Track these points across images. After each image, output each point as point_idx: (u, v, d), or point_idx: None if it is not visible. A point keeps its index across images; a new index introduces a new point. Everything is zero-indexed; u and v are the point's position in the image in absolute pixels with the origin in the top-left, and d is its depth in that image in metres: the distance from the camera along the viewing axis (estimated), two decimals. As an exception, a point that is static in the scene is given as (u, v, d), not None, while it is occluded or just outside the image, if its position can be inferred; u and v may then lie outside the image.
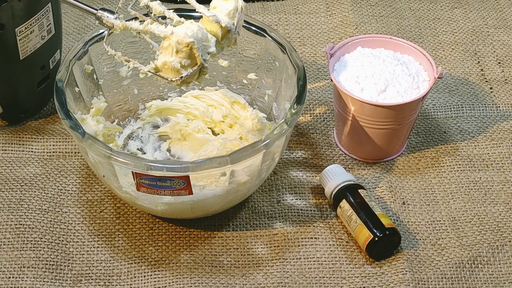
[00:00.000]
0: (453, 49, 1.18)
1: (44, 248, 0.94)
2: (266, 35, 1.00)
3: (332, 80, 1.00)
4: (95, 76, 1.00)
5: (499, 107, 1.10)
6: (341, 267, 0.93)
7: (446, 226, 0.97)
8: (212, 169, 0.87)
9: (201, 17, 0.89)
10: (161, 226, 0.97)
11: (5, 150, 1.04)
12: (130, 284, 0.92)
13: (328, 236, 0.96)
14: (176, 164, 0.90)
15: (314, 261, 0.94)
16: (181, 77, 0.86)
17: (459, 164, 1.03)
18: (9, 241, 0.94)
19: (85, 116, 0.98)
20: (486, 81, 1.14)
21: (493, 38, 1.20)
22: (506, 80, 1.14)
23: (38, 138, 1.05)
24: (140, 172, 0.87)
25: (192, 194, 0.89)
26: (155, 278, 0.92)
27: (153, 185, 0.88)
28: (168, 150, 1.04)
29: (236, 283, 0.92)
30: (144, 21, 0.89)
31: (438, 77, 0.99)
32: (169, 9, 0.90)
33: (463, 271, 0.93)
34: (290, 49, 0.98)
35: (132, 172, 0.87)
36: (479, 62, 1.17)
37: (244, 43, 1.02)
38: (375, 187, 1.00)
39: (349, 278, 0.92)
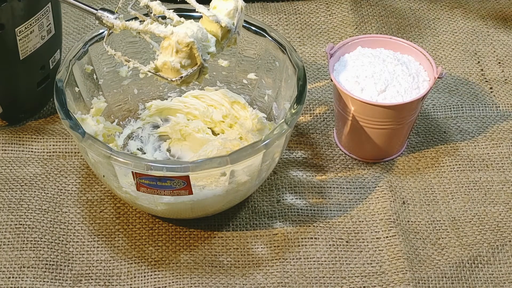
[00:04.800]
0: (453, 49, 1.18)
1: (44, 248, 0.94)
2: (266, 35, 1.00)
3: (332, 80, 1.00)
4: (95, 76, 1.00)
5: (499, 107, 1.10)
6: (341, 267, 0.93)
7: (446, 226, 0.97)
8: (212, 169, 0.87)
9: (201, 17, 0.89)
10: (161, 226, 0.97)
11: (5, 150, 1.04)
12: (130, 284, 0.92)
13: (328, 236, 0.96)
14: (176, 164, 0.90)
15: (314, 261, 0.94)
16: (181, 77, 0.86)
17: (459, 164, 1.03)
18: (9, 241, 0.94)
19: (85, 116, 0.98)
20: (486, 81, 1.14)
21: (493, 38, 1.20)
22: (506, 80, 1.14)
23: (38, 138, 1.05)
24: (140, 172, 0.87)
25: (192, 194, 0.90)
26: (155, 278, 0.92)
27: (153, 185, 0.88)
28: (168, 150, 1.04)
29: (236, 283, 0.92)
30: (144, 21, 0.89)
31: (438, 77, 0.99)
32: (169, 9, 0.90)
33: (463, 270, 0.93)
34: (290, 49, 0.98)
35: (132, 172, 0.87)
36: (479, 62, 1.16)
37: (244, 43, 1.02)
38: (375, 187, 1.00)
39: (349, 278, 0.92)
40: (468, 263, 0.94)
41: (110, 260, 0.94)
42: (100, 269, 0.93)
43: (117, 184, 0.92)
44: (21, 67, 1.02)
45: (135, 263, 0.93)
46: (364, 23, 1.21)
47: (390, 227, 0.96)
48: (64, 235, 0.96)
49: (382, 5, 1.25)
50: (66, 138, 1.05)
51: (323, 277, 0.92)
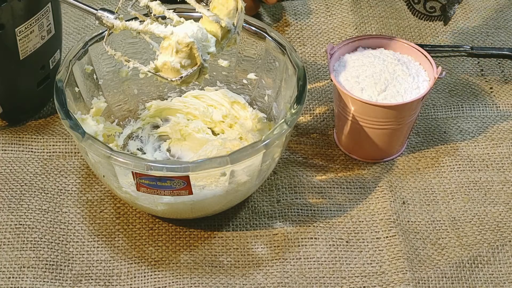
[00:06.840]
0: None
1: (44, 248, 0.94)
2: (266, 35, 1.00)
3: (332, 80, 1.00)
4: (95, 76, 1.00)
5: (499, 107, 1.10)
6: (341, 267, 0.93)
7: (446, 226, 0.97)
8: (212, 169, 0.87)
9: (201, 17, 0.89)
10: (161, 226, 0.97)
11: (5, 150, 1.04)
12: (130, 284, 0.92)
13: (328, 236, 0.96)
14: (176, 164, 0.90)
15: (314, 261, 0.94)
16: (181, 77, 0.86)
17: (459, 164, 1.03)
18: (9, 241, 0.94)
19: (85, 116, 0.98)
20: (486, 81, 1.14)
21: (493, 38, 1.20)
22: (506, 80, 1.14)
23: (38, 138, 1.05)
24: (140, 172, 0.87)
25: (192, 194, 0.89)
26: (155, 278, 0.92)
27: (153, 185, 0.88)
28: (168, 150, 1.04)
29: (236, 283, 0.92)
30: (144, 21, 0.89)
31: (438, 77, 0.99)
32: (169, 9, 0.90)
33: (463, 270, 0.93)
34: (290, 49, 0.98)
35: (132, 172, 0.87)
36: (479, 62, 1.17)
37: (244, 43, 1.02)
38: (375, 187, 1.00)
39: (349, 278, 0.92)
40: (468, 263, 0.94)
41: (110, 260, 0.94)
42: (100, 269, 0.93)
43: (117, 184, 0.92)
44: (21, 67, 1.01)
45: (135, 263, 0.93)
46: (364, 23, 1.21)
47: (390, 227, 0.96)
48: (64, 235, 0.96)
49: (382, 5, 1.25)
50: (66, 138, 1.05)
51: (323, 277, 0.92)
